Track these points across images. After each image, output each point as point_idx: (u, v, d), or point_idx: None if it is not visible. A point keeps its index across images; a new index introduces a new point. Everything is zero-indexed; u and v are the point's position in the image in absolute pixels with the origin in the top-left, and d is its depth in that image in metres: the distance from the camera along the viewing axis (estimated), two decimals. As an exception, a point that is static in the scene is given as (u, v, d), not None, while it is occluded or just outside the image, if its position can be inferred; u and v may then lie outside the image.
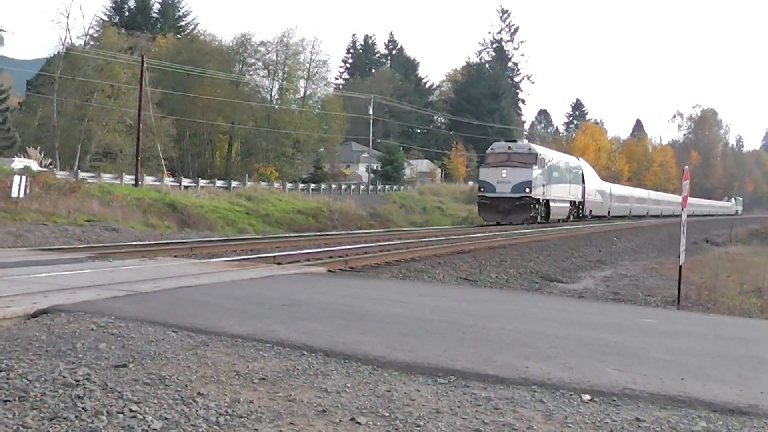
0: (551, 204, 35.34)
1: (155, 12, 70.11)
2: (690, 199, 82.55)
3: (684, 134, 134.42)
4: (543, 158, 34.37)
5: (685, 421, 3.70)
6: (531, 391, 4.15)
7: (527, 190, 32.04)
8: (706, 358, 5.21)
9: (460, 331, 5.74)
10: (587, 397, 4.06)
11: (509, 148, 34.00)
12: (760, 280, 15.66)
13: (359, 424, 3.47)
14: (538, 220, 33.87)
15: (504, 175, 32.45)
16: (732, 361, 5.18)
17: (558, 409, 3.83)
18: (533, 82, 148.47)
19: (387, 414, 3.63)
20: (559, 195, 37.06)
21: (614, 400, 4.02)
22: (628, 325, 6.89)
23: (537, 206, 33.32)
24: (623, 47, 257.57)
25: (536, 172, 32.98)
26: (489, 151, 35.12)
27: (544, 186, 33.89)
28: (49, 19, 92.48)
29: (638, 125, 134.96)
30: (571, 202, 40.00)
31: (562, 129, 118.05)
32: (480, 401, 3.91)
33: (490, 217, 33.22)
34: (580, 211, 42.52)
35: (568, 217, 39.56)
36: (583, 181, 43.28)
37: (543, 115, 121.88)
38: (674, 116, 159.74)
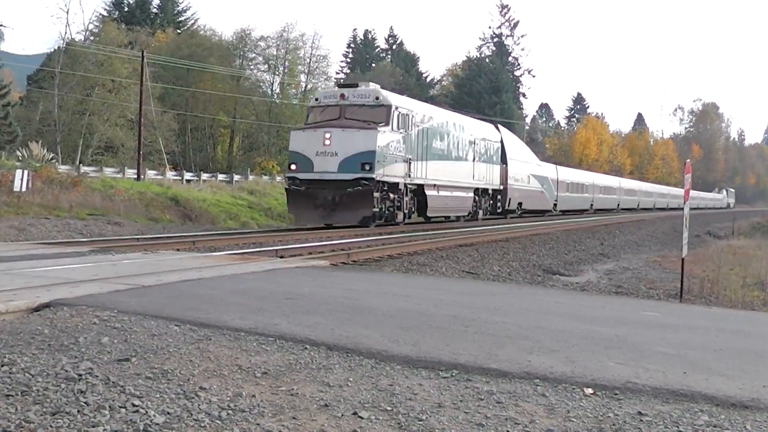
0: (429, 193, 22.61)
1: (154, 7, 69.98)
2: (668, 190, 77.09)
3: (686, 128, 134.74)
4: (407, 115, 21.19)
5: (687, 415, 3.70)
6: (533, 385, 4.15)
7: (367, 167, 19.00)
8: (708, 352, 5.20)
9: (463, 325, 5.73)
10: (590, 390, 4.06)
11: (343, 96, 20.35)
12: (763, 273, 15.66)
13: (361, 418, 3.47)
14: (402, 219, 21.20)
15: (328, 143, 19.10)
16: (734, 355, 5.17)
17: (560, 403, 3.83)
18: (534, 76, 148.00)
19: (389, 408, 3.63)
20: (450, 178, 24.19)
21: (617, 394, 4.02)
22: (631, 318, 6.88)
23: (393, 195, 20.57)
24: (624, 40, 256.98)
25: (389, 136, 19.91)
26: (313, 103, 21.93)
27: (409, 162, 21.09)
28: (49, 14, 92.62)
29: (639, 119, 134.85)
30: (478, 190, 27.34)
31: (563, 123, 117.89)
32: (482, 395, 3.91)
33: (305, 216, 20.10)
34: (498, 204, 30.15)
35: (474, 212, 27.14)
36: (504, 161, 30.64)
37: (544, 108, 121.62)
38: (675, 110, 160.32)
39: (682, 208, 12.79)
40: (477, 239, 18.75)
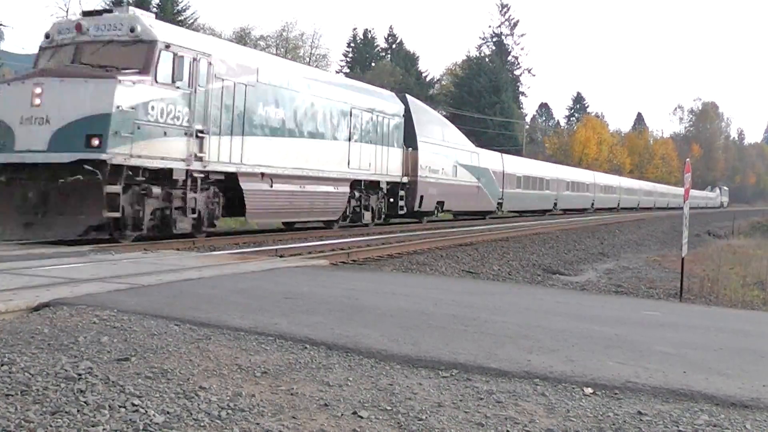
0: (249, 186, 15.38)
1: (154, 6, 70.00)
2: (654, 187, 73.59)
3: (685, 127, 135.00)
4: (194, 60, 13.69)
5: (687, 415, 3.69)
6: (533, 384, 4.14)
7: (96, 141, 11.82)
8: (708, 351, 5.20)
9: (463, 324, 5.73)
10: (589, 390, 4.06)
11: (80, 28, 13.14)
12: (763, 272, 15.68)
13: (361, 417, 3.47)
14: (187, 227, 14.11)
15: (38, 102, 12.01)
16: (734, 354, 5.17)
17: (560, 403, 3.83)
18: (534, 75, 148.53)
19: (389, 408, 3.63)
20: (297, 165, 16.86)
21: (616, 394, 4.01)
22: (631, 318, 6.89)
23: (161, 191, 13.32)
24: (624, 40, 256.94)
25: (150, 92, 12.69)
26: (43, 42, 13.88)
27: (200, 137, 13.76)
28: (49, 13, 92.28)
29: (639, 118, 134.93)
30: (360, 183, 19.72)
31: (563, 122, 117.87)
32: (482, 395, 3.91)
33: (2, 223, 12.68)
34: (401, 202, 22.15)
35: (353, 215, 19.82)
36: (412, 144, 22.75)
37: (544, 108, 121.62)
38: (675, 109, 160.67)
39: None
40: (477, 239, 18.78)
